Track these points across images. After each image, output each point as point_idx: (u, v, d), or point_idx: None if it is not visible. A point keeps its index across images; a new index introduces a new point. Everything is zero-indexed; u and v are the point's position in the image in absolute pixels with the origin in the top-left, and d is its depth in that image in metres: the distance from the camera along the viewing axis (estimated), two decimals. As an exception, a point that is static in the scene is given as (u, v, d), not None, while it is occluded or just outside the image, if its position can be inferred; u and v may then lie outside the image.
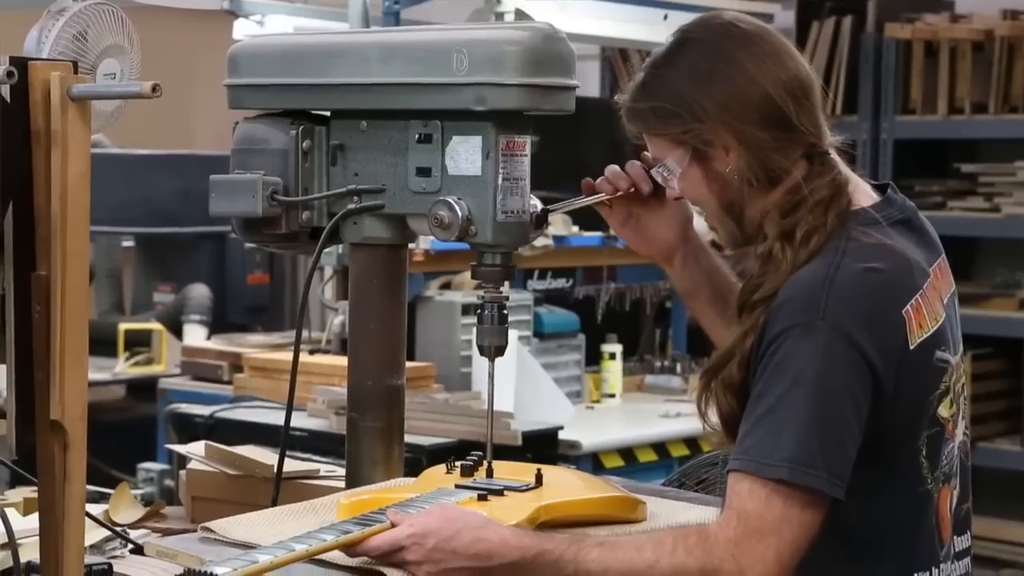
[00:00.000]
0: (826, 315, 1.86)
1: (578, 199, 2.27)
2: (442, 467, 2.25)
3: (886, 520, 1.94)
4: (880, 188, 2.07)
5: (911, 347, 1.90)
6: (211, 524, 2.10)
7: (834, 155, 2.02)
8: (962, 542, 2.04)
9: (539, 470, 2.18)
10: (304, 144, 2.29)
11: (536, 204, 2.29)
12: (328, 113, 2.33)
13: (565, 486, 2.19)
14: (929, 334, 1.93)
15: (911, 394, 1.92)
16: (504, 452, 3.80)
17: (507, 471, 2.22)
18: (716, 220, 2.05)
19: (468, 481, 2.17)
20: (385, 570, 1.92)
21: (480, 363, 4.74)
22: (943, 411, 1.96)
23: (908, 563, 1.96)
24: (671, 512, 2.21)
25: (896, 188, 2.08)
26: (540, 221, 2.27)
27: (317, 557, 1.91)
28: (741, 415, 1.93)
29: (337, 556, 1.93)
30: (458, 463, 2.23)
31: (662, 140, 2.03)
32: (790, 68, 1.98)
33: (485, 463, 2.22)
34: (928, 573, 1.97)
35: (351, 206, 2.26)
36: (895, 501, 1.94)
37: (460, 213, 2.17)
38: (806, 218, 1.93)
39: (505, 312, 2.23)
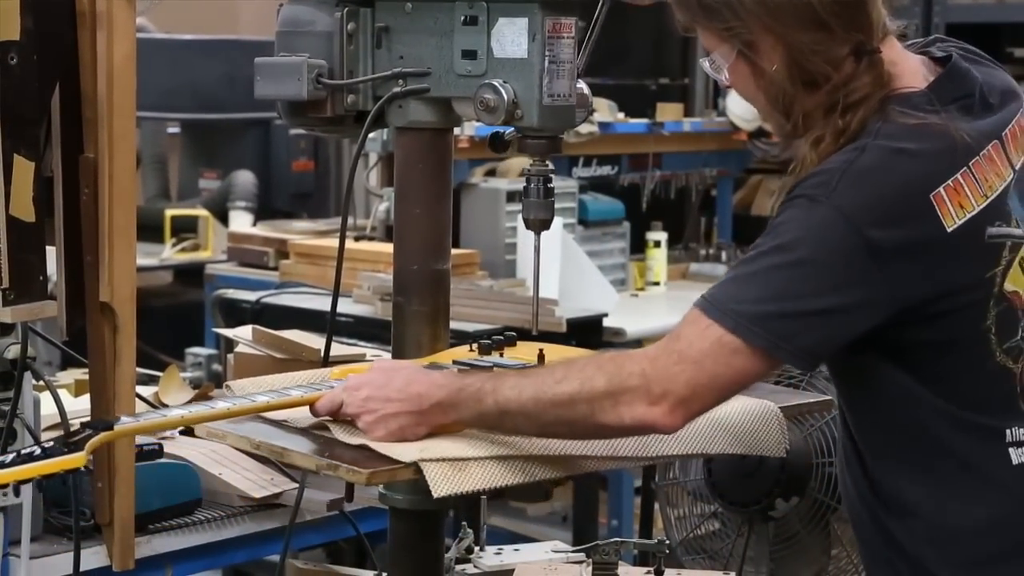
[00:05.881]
0: (833, 195, 1.84)
1: None
2: (465, 347, 2.27)
3: (963, 399, 1.91)
4: (943, 60, 2.01)
5: (948, 230, 1.86)
6: (231, 383, 2.19)
7: (889, 46, 1.97)
8: None
9: (541, 350, 2.21)
10: (349, 26, 2.27)
11: (583, 88, 2.27)
12: (373, -5, 2.31)
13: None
14: (975, 212, 1.89)
15: (960, 276, 1.89)
16: (549, 339, 3.81)
17: (524, 352, 2.23)
18: (766, 115, 2.03)
19: (466, 358, 2.19)
20: (330, 425, 2.00)
21: (525, 251, 4.73)
22: (1010, 285, 1.92)
23: (996, 423, 1.92)
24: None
25: (961, 58, 2.01)
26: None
27: (276, 421, 2.02)
28: None
29: (296, 418, 2.03)
30: (476, 343, 2.25)
31: (709, 33, 2.01)
32: None
33: (503, 345, 2.23)
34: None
35: (396, 89, 2.25)
36: (965, 380, 1.91)
37: (506, 96, 2.15)
38: (835, 121, 1.91)
39: (551, 186, 2.22)
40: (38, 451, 1.70)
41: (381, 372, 2.00)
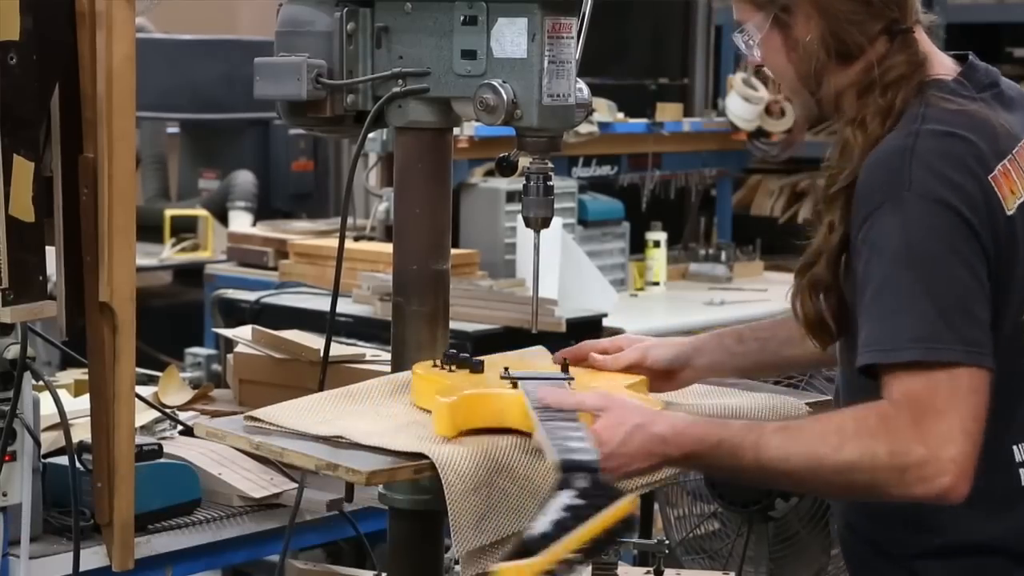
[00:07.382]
0: (912, 185, 1.80)
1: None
2: (429, 362, 2.17)
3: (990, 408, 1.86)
4: (960, 59, 2.01)
5: (1008, 213, 1.85)
6: (256, 412, 2.11)
7: (920, 33, 1.97)
8: None
9: (565, 359, 2.17)
10: (348, 26, 2.27)
11: (583, 88, 2.27)
12: (373, -6, 2.31)
13: (590, 372, 2.19)
14: (1023, 199, 1.87)
15: (1012, 262, 1.86)
16: (549, 339, 3.80)
17: (518, 364, 2.18)
18: (793, 92, 2.02)
19: (524, 372, 2.11)
20: None
21: (525, 250, 4.73)
22: None
23: (1004, 436, 1.89)
24: (701, 397, 2.22)
25: (977, 57, 2.02)
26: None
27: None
28: (827, 315, 1.89)
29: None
30: (438, 361, 2.14)
31: (745, 2, 2.00)
32: None
33: (473, 356, 2.14)
34: None
35: (396, 89, 2.25)
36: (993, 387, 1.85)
37: (505, 96, 2.15)
38: (876, 101, 1.90)
39: (551, 184, 2.22)
40: (580, 503, 1.62)
41: (617, 427, 1.84)
